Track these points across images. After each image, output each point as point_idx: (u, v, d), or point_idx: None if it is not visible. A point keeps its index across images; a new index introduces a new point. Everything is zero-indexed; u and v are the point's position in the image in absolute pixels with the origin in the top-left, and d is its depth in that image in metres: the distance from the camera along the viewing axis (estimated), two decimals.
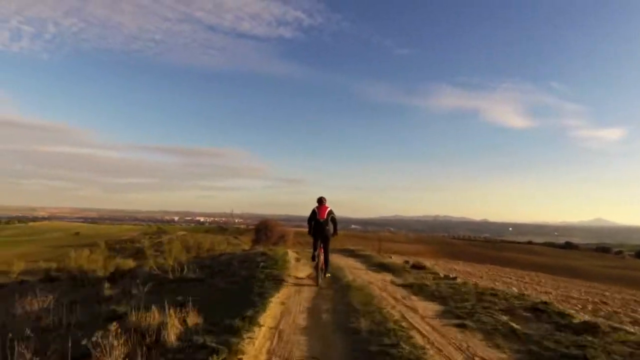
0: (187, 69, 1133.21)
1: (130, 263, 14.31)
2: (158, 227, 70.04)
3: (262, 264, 9.68)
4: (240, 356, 3.33)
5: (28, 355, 3.07)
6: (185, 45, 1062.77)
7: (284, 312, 4.99)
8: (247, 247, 26.21)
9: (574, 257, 45.26)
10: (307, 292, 6.26)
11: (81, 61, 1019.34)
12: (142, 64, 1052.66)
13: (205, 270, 9.44)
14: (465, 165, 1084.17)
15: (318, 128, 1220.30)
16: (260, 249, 16.41)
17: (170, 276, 8.85)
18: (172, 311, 3.99)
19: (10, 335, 3.38)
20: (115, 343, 3.13)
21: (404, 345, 3.51)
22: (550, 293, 14.29)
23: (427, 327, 4.29)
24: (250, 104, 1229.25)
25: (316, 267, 7.10)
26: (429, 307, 5.37)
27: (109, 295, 7.27)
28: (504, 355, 3.43)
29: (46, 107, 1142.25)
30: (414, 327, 4.26)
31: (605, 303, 13.41)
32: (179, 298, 5.77)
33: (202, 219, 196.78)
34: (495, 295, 5.99)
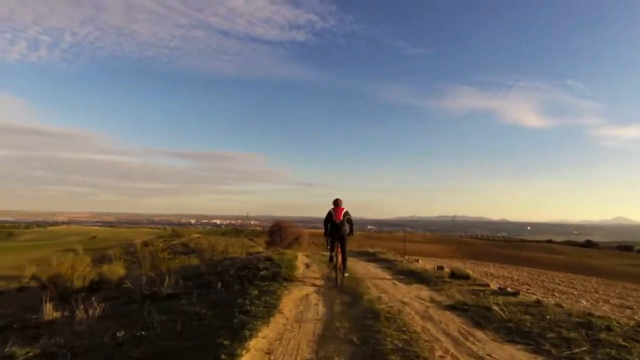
0: (201, 74, 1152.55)
1: (120, 271, 12.59)
2: (173, 229, 69.33)
3: (262, 272, 7.78)
4: None
5: None
6: (199, 51, 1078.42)
7: None
8: (261, 249, 24.95)
9: (595, 256, 41.71)
10: (311, 325, 4.18)
11: (98, 69, 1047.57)
12: (157, 71, 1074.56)
13: (189, 282, 7.58)
14: (483, 166, 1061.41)
15: (333, 130, 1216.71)
16: (267, 252, 14.69)
17: (145, 291, 7.06)
18: None
19: None
20: None
21: None
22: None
23: None
24: (265, 108, 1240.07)
25: (335, 268, 6.95)
26: (518, 359, 3.20)
27: (50, 320, 5.46)
28: None
29: (65, 115, 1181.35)
30: None
31: None
32: (120, 334, 3.89)
33: (218, 222, 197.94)
34: (609, 329, 3.80)
